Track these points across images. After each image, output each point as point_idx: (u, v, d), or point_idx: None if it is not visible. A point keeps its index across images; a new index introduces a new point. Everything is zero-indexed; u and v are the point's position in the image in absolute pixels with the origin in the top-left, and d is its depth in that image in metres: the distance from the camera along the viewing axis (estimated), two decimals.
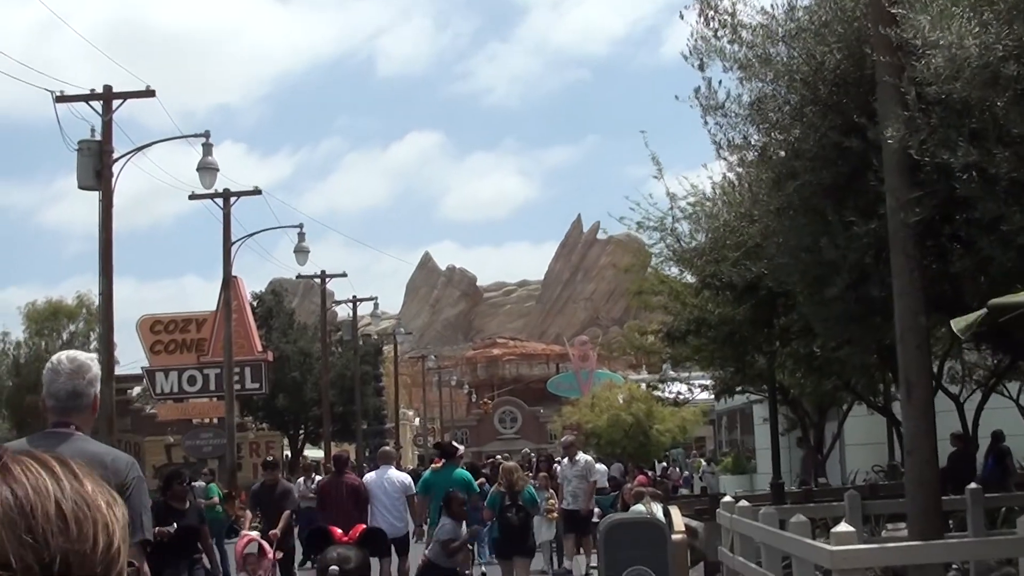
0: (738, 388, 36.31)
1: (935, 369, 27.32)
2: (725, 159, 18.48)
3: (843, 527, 12.73)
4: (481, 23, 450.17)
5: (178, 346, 67.06)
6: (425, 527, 21.88)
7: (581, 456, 27.30)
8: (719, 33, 16.84)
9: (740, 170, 19.05)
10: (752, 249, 19.57)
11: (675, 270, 35.25)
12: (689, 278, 34.67)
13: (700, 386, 43.08)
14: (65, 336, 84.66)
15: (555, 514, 26.71)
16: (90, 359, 6.80)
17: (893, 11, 14.47)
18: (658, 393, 45.99)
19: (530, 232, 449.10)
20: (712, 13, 16.69)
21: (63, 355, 6.77)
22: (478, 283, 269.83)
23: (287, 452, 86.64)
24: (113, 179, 33.86)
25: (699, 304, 26.30)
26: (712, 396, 44.76)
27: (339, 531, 8.01)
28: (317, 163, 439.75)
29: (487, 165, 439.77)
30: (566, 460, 27.45)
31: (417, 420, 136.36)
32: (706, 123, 18.18)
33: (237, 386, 66.24)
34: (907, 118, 14.37)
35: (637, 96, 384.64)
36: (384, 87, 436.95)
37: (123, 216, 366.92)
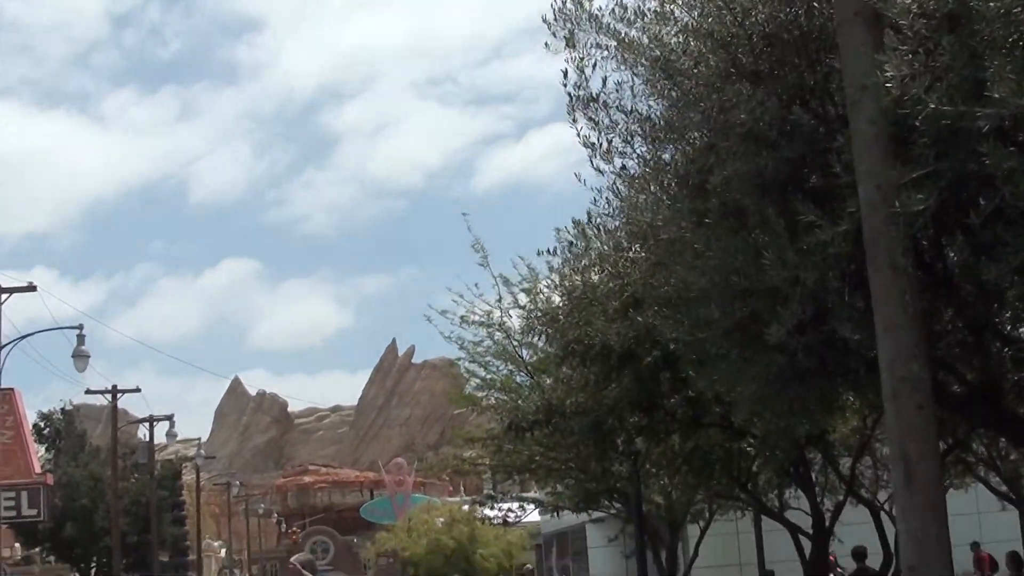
0: (603, 501, 31.17)
1: (850, 467, 22.43)
2: (599, 170, 13.33)
3: None
4: (298, 151, 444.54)
5: None
6: None
7: None
8: None
9: (620, 186, 13.85)
10: (635, 299, 14.48)
11: (504, 369, 30.61)
12: (518, 379, 29.85)
13: (533, 501, 37.86)
14: None
15: None
16: None
17: None
18: (486, 511, 40.50)
19: (344, 360, 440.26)
20: None
21: None
22: (289, 409, 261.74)
23: None
24: None
25: (557, 385, 20.70)
26: (549, 514, 39.46)
27: None
28: (131, 289, 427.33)
29: (302, 292, 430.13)
30: None
31: (223, 551, 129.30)
32: (575, 122, 13.21)
33: (12, 512, 59.43)
34: (902, 57, 9.47)
35: (452, 226, 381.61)
36: (199, 213, 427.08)
37: None
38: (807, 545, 23.21)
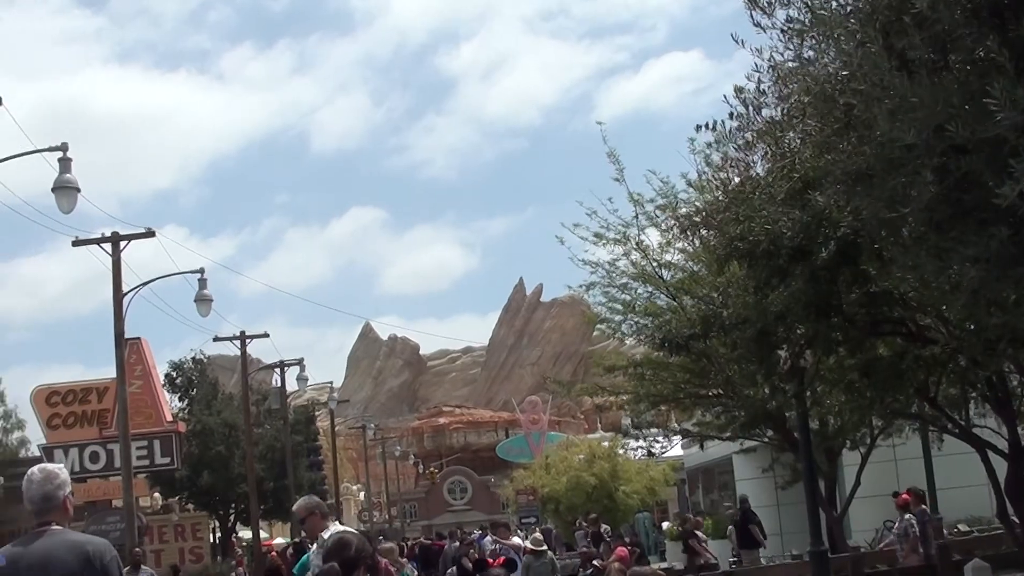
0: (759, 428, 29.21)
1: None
2: (759, 25, 11.24)
3: None
4: (415, 96, 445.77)
5: (78, 419, 59.17)
6: None
7: (333, 531, 13.46)
8: None
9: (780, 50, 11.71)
10: (805, 182, 12.40)
11: (643, 291, 28.84)
12: (660, 300, 28.07)
13: (682, 432, 35.90)
14: None
15: None
16: (57, 468, 7.86)
17: None
18: (632, 442, 38.59)
19: (473, 302, 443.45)
20: None
21: (35, 468, 7.76)
22: (421, 352, 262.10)
23: (218, 534, 79.04)
24: None
25: (713, 296, 18.54)
26: (697, 445, 37.56)
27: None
28: (259, 242, 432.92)
29: (428, 237, 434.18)
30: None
31: (362, 494, 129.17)
32: None
33: (145, 461, 58.78)
34: None
35: (574, 162, 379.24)
36: (321, 163, 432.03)
37: (69, 302, 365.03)
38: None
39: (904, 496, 26.05)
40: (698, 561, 34.54)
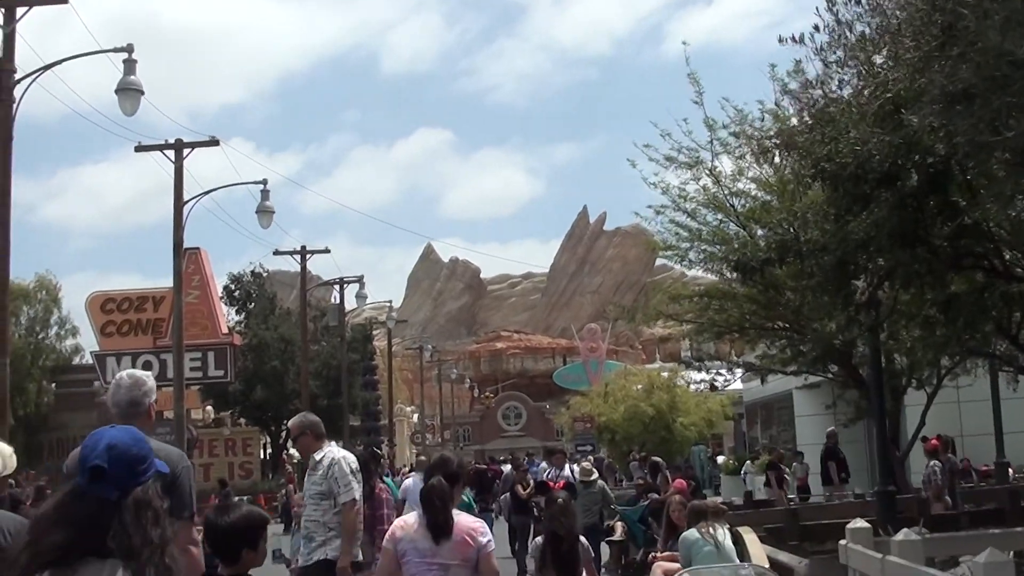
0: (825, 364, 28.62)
1: None
2: None
3: None
4: (487, 19, 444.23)
5: (132, 327, 58.87)
6: None
7: (327, 452, 12.68)
8: None
9: None
10: (896, 104, 11.56)
11: (711, 217, 28.18)
12: (730, 229, 27.42)
13: (745, 365, 35.10)
14: (24, 320, 75.77)
15: None
16: (146, 375, 8.10)
17: None
18: (694, 374, 37.82)
19: (536, 228, 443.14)
20: None
21: (124, 373, 8.07)
22: (482, 275, 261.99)
23: (269, 450, 79.05)
24: (15, 104, 26.78)
25: (794, 216, 17.68)
26: (760, 379, 36.75)
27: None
28: (325, 159, 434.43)
29: (494, 162, 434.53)
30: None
31: (415, 416, 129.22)
32: None
33: (198, 373, 58.51)
34: None
35: (644, 94, 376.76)
36: (390, 84, 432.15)
37: (132, 211, 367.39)
38: None
39: (933, 442, 25.71)
40: (771, 496, 34.03)
